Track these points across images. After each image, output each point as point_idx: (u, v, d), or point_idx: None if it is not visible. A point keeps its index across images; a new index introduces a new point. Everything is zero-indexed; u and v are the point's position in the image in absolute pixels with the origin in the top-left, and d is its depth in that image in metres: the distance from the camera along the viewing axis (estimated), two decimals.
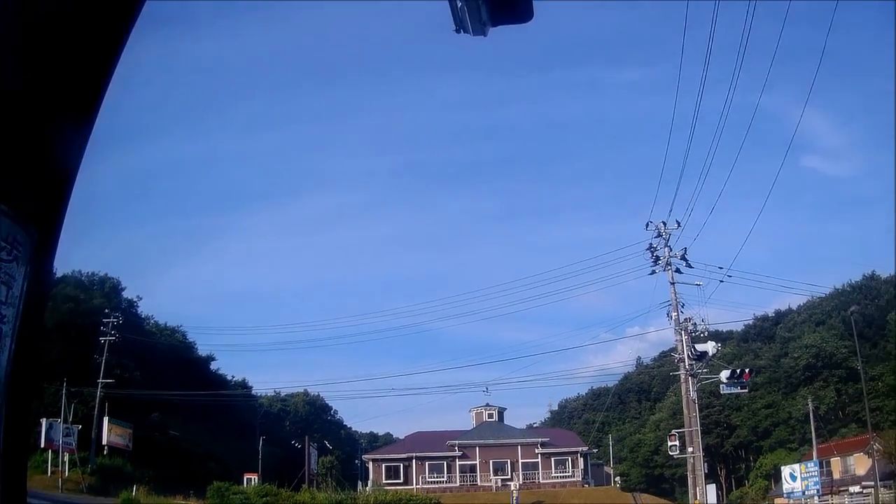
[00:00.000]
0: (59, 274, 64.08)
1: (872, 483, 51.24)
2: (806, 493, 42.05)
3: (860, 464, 64.86)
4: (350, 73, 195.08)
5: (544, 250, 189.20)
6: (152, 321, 79.98)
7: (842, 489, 58.32)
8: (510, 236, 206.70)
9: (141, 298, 77.70)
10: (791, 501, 43.69)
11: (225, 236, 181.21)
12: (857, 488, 57.29)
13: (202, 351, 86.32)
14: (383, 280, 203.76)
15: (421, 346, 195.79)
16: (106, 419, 53.89)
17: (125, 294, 75.07)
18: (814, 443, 66.74)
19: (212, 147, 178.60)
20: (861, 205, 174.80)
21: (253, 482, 50.72)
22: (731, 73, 17.94)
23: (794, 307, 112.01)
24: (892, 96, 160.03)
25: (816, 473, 43.27)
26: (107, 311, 59.34)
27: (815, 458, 57.28)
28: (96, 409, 53.37)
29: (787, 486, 42.56)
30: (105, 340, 56.29)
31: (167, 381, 63.80)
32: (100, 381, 54.56)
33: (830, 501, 49.26)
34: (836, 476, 64.88)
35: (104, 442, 53.51)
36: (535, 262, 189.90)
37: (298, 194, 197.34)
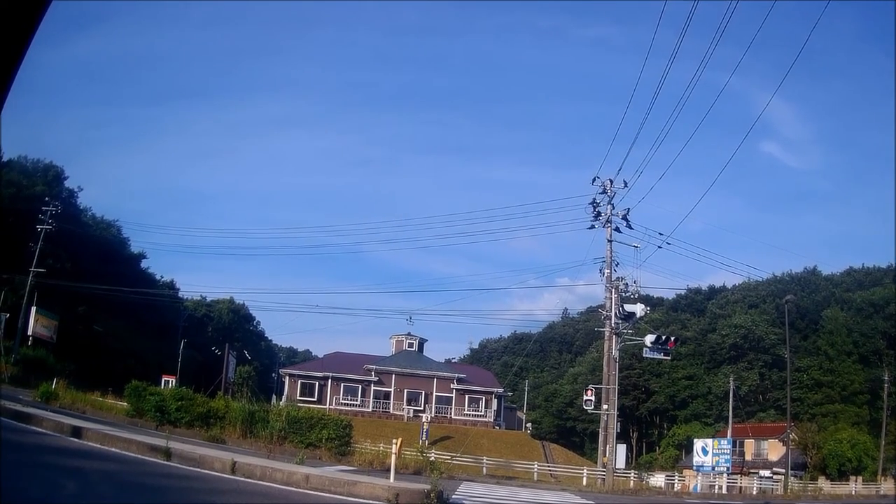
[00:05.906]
0: (4, 158, 63.44)
1: (783, 470, 51.33)
2: (716, 468, 41.20)
3: (773, 449, 65.55)
4: None
5: (479, 188, 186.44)
6: (90, 213, 78.87)
7: (752, 471, 58.83)
8: (445, 169, 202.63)
9: (81, 189, 76.10)
10: (699, 474, 42.42)
11: (167, 131, 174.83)
12: (767, 472, 57.60)
13: (134, 248, 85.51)
14: (315, 194, 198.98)
15: (348, 267, 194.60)
16: (34, 309, 52.15)
17: (67, 184, 73.35)
18: (730, 421, 67.11)
19: (164, 40, 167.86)
20: (814, 199, 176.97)
21: (171, 384, 49.73)
22: (704, 48, 17.43)
23: (729, 286, 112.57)
24: (856, 102, 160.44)
25: (729, 451, 43.19)
26: (47, 199, 58.30)
27: (729, 437, 57.81)
28: (25, 299, 52.15)
29: (697, 458, 42.59)
30: (42, 229, 55.23)
31: (97, 274, 62.91)
32: (32, 269, 53.39)
33: (739, 481, 48.74)
34: (748, 457, 65.65)
35: (30, 332, 51.74)
36: (469, 199, 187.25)
37: (242, 97, 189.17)
